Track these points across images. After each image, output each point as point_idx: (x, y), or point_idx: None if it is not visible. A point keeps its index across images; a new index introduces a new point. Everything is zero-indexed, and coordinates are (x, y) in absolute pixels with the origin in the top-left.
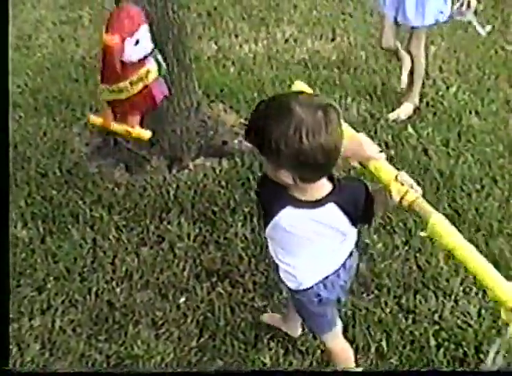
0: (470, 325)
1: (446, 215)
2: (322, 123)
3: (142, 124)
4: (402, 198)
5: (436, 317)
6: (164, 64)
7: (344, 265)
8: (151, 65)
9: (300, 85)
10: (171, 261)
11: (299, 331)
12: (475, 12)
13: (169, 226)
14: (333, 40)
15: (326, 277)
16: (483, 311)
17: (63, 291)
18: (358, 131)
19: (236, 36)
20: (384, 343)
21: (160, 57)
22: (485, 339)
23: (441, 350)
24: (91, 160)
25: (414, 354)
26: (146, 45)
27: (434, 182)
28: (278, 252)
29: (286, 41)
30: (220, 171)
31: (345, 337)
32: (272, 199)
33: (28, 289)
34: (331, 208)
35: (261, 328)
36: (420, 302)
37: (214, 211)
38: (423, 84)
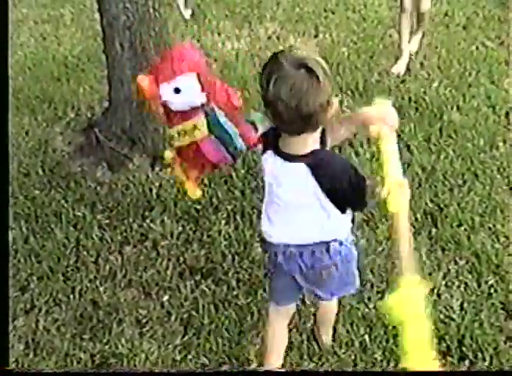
0: (452, 319)
1: (428, 210)
2: (293, 79)
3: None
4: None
5: None
6: (224, 124)
7: (312, 250)
8: (198, 120)
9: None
10: (155, 259)
11: (329, 341)
12: None
13: (152, 225)
14: (315, 36)
15: (288, 245)
16: (465, 305)
17: (47, 291)
18: None
19: (219, 34)
20: (367, 338)
21: (219, 115)
22: (468, 333)
23: None
24: (73, 160)
25: (397, 348)
26: (192, 96)
27: (416, 178)
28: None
29: (269, 38)
30: None
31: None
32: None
33: (11, 289)
34: (301, 168)
35: (245, 325)
36: None
37: (197, 209)
38: (404, 80)
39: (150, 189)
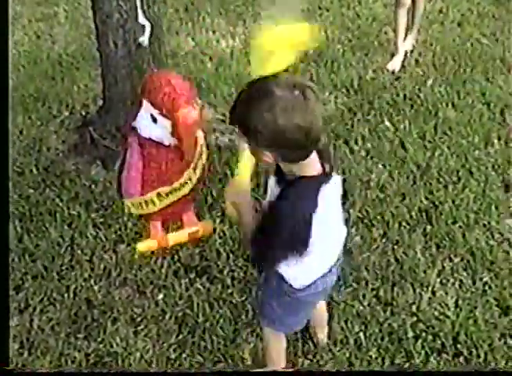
0: (447, 316)
1: (423, 208)
2: (298, 102)
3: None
4: None
5: (414, 309)
6: None
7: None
8: (200, 135)
9: None
10: (149, 257)
11: (325, 339)
12: None
13: (146, 223)
14: None
15: (322, 276)
16: (460, 302)
17: (41, 290)
18: (335, 125)
19: (214, 31)
20: (362, 335)
21: None
22: (462, 330)
23: (419, 341)
24: (67, 158)
25: (392, 346)
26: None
27: (410, 175)
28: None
29: None
30: None
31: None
32: (305, 190)
33: None
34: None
35: (239, 324)
36: (398, 294)
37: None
38: (399, 78)
39: None
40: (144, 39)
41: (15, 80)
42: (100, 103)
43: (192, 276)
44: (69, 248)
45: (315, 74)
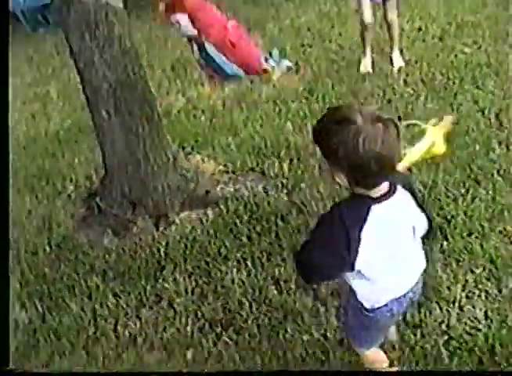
0: (478, 329)
1: (437, 224)
2: (379, 134)
3: None
4: None
5: (444, 327)
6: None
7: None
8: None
9: None
10: (173, 318)
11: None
12: None
13: (165, 284)
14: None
15: (397, 299)
16: (489, 313)
17: (70, 365)
18: None
19: (202, 84)
20: (396, 363)
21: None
22: (497, 341)
23: (455, 360)
24: (78, 231)
25: (429, 368)
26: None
27: (418, 194)
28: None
29: (251, 81)
30: (206, 220)
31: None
32: (355, 211)
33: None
34: (400, 190)
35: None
36: (425, 315)
37: (207, 261)
38: (390, 101)
39: (158, 249)
40: None
41: (16, 161)
42: (102, 172)
43: (218, 330)
44: (92, 320)
45: (307, 109)
